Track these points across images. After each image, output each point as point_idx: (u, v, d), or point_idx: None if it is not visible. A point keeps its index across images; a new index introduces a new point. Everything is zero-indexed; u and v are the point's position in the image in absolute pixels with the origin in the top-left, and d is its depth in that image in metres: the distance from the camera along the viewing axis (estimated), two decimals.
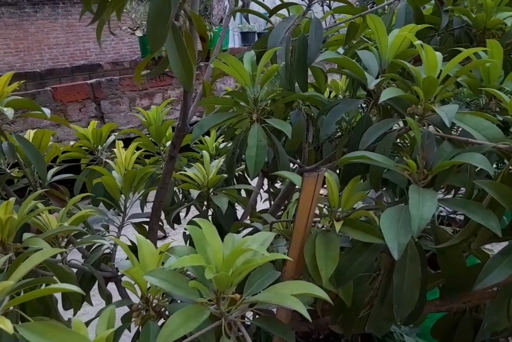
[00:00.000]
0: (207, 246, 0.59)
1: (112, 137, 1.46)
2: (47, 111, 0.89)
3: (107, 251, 1.09)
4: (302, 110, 1.06)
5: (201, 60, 0.86)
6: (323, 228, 0.73)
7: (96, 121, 1.42)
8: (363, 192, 0.73)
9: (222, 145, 1.55)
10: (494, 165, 0.87)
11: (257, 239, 0.63)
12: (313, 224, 0.76)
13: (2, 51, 6.92)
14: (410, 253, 0.65)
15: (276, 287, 0.61)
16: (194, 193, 1.14)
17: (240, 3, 1.11)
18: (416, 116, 0.72)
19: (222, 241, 0.61)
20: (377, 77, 0.81)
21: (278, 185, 1.52)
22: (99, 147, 1.40)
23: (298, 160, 1.15)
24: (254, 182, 1.38)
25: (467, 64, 0.74)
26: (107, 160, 1.11)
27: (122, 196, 1.13)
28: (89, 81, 4.25)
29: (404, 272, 0.65)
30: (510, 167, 0.58)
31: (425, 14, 1.01)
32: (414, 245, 0.66)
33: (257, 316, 0.70)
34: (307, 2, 0.94)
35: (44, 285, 0.70)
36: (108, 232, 1.19)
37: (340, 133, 1.17)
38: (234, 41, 7.59)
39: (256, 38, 5.79)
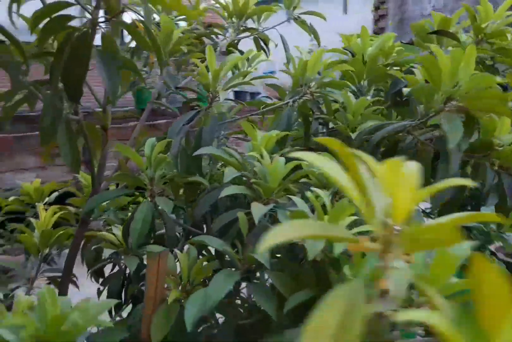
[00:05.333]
0: None
1: (55, 194, 1.61)
2: None
3: None
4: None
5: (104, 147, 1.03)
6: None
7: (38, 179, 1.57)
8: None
9: None
10: None
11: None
12: None
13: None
14: None
15: None
16: (106, 252, 1.26)
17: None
18: None
19: None
20: None
21: None
22: (41, 202, 1.54)
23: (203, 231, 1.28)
24: None
25: None
26: (31, 219, 1.25)
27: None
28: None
29: None
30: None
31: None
32: None
33: None
34: (210, 99, 1.11)
35: None
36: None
37: None
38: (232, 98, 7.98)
39: (248, 98, 6.11)
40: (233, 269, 0.77)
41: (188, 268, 0.87)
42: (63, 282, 1.24)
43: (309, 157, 0.33)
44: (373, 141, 0.88)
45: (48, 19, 0.68)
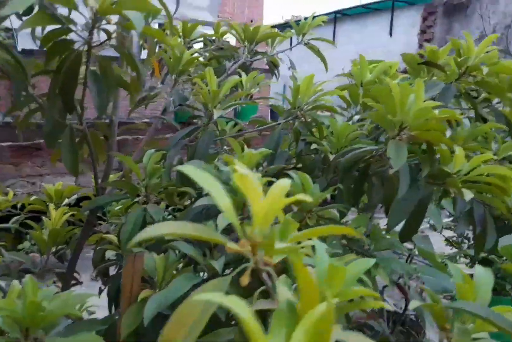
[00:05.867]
0: None
1: (74, 196, 1.74)
2: None
3: None
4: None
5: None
6: None
7: (66, 182, 1.71)
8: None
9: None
10: None
11: None
12: None
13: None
14: None
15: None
16: (109, 254, 1.37)
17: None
18: None
19: None
20: None
21: None
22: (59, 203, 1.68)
23: None
24: None
25: None
26: (43, 217, 1.37)
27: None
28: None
29: None
30: None
31: None
32: None
33: None
34: (207, 117, 1.21)
35: None
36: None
37: None
38: (269, 115, 8.14)
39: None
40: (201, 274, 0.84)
41: (164, 270, 0.95)
42: (66, 278, 1.35)
43: (189, 172, 0.40)
44: (343, 163, 0.94)
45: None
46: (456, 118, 0.81)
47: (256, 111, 6.49)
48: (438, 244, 3.10)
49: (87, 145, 1.07)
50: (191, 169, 0.40)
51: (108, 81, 0.81)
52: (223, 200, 0.39)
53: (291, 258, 0.52)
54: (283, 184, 0.42)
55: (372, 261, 0.54)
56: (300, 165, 1.24)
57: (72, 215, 1.55)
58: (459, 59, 0.99)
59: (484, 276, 0.67)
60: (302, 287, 0.35)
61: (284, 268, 0.77)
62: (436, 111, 0.69)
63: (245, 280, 0.40)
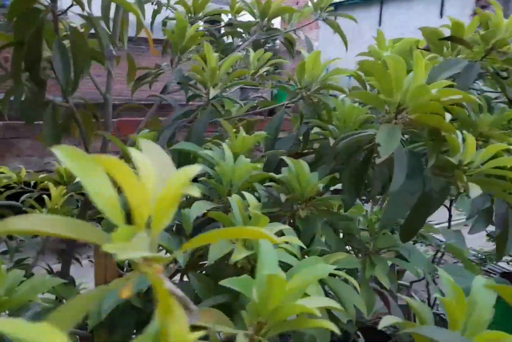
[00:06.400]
0: None
1: None
2: None
3: None
4: None
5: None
6: None
7: None
8: None
9: None
10: None
11: None
12: None
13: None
14: None
15: None
16: None
17: None
18: None
19: None
20: None
21: None
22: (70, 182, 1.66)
23: None
24: None
25: None
26: (44, 196, 1.35)
27: None
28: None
29: None
30: None
31: None
32: None
33: None
34: (207, 97, 1.12)
35: None
36: None
37: None
38: None
39: None
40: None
41: None
42: (65, 259, 1.32)
43: (61, 154, 0.31)
44: (341, 149, 0.84)
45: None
46: (468, 100, 0.69)
47: None
48: (481, 239, 2.88)
49: (76, 123, 1.02)
50: (64, 151, 0.32)
51: (78, 54, 0.74)
52: (99, 192, 0.31)
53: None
54: (184, 173, 0.33)
55: (328, 268, 0.45)
56: (306, 150, 1.14)
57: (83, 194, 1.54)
58: (482, 32, 0.85)
59: (483, 291, 0.55)
60: (161, 312, 0.27)
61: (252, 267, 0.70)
62: (434, 91, 0.57)
63: (125, 292, 0.32)
